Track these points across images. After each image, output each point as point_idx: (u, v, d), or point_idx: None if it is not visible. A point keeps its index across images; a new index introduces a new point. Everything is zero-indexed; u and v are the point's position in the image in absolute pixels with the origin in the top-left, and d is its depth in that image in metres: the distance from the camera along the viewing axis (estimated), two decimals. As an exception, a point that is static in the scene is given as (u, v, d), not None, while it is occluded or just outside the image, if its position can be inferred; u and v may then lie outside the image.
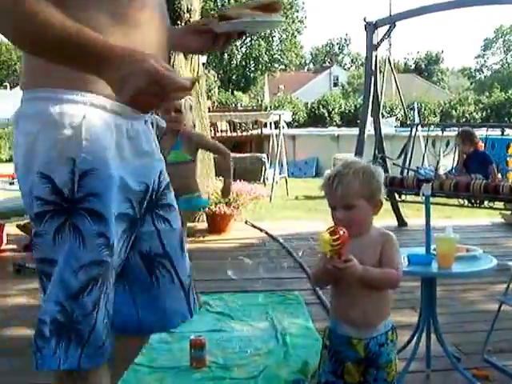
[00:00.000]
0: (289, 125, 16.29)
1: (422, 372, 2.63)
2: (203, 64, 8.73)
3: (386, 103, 21.34)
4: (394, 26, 6.08)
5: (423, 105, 24.94)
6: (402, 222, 6.45)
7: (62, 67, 1.24)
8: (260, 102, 26.63)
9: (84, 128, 1.31)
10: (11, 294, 4.09)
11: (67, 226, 1.33)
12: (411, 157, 6.17)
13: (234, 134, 14.34)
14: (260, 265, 4.82)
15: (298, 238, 5.79)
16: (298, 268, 4.71)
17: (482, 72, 60.18)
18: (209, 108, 10.55)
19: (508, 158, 5.94)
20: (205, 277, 4.14)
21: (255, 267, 4.75)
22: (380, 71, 6.38)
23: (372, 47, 6.13)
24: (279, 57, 39.56)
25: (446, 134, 6.48)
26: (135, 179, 1.45)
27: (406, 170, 6.03)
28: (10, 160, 17.70)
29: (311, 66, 60.77)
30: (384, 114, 18.86)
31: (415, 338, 2.62)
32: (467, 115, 26.14)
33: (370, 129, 6.41)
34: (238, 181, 6.41)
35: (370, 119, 6.34)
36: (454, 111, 26.54)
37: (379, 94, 6.30)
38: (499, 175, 5.49)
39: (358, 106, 24.63)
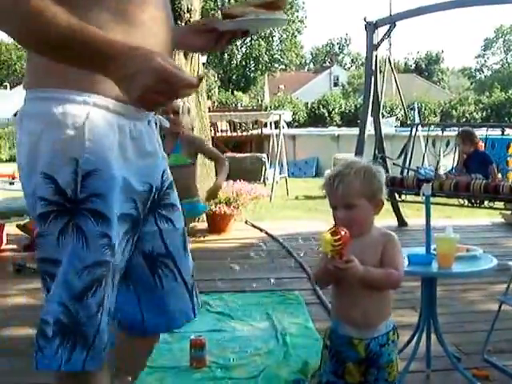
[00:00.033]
0: (289, 125, 16.29)
1: (422, 372, 2.63)
2: (203, 64, 8.73)
3: (386, 103, 21.32)
4: (394, 25, 6.08)
5: (423, 105, 24.92)
6: (402, 222, 6.45)
7: (65, 67, 1.23)
8: (260, 102, 26.62)
9: (87, 128, 1.31)
10: (11, 294, 4.09)
11: (70, 226, 1.33)
12: (411, 157, 6.17)
13: (234, 134, 14.34)
14: (260, 265, 4.82)
15: (298, 237, 5.78)
16: (299, 268, 4.70)
17: (483, 72, 60.17)
18: (209, 108, 10.53)
19: (508, 158, 5.95)
20: (205, 277, 4.14)
21: (255, 267, 4.75)
22: (380, 71, 6.38)
23: (372, 47, 6.13)
24: (279, 57, 39.52)
25: (446, 133, 6.47)
26: (139, 179, 1.44)
27: (406, 170, 6.03)
28: (9, 160, 17.71)
29: (311, 65, 60.74)
30: (384, 113, 18.84)
31: (415, 337, 2.62)
32: (467, 115, 26.15)
33: (370, 129, 6.41)
34: (238, 181, 6.42)
35: (370, 119, 6.34)
36: (454, 111, 26.55)
37: (379, 93, 6.30)
38: (499, 175, 5.50)
39: (358, 105, 24.62)
